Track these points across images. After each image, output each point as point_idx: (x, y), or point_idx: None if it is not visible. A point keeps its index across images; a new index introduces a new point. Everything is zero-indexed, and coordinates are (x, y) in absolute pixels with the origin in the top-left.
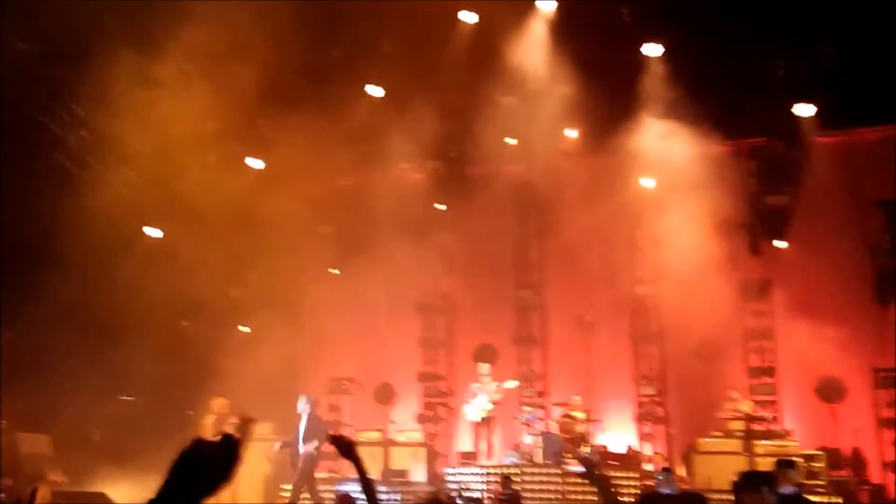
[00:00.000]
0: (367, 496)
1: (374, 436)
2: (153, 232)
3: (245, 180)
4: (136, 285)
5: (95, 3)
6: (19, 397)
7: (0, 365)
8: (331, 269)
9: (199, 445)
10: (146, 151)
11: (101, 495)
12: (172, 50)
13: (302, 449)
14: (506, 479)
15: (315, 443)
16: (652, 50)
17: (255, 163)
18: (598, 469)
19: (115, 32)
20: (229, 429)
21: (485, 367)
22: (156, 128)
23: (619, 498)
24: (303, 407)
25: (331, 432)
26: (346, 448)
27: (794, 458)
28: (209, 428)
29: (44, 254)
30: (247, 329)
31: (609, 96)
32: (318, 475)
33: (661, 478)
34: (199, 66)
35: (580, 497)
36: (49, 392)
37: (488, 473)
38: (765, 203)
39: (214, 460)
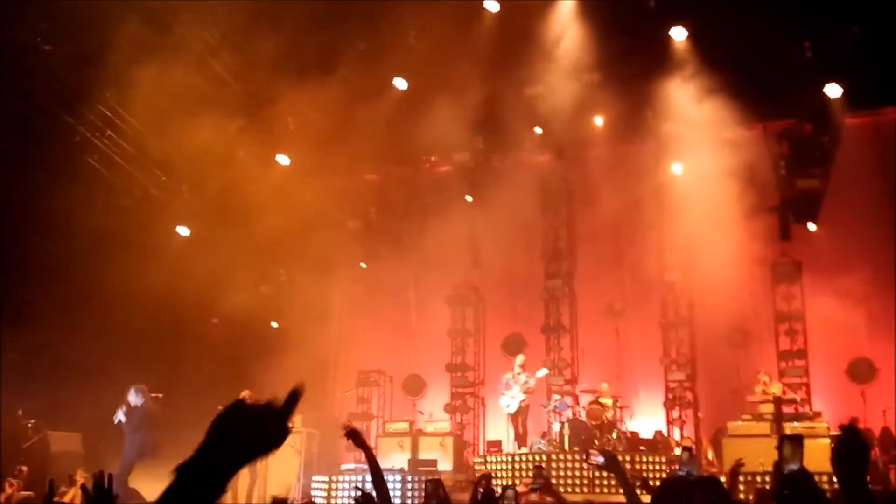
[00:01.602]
0: (374, 479)
1: (403, 426)
2: (184, 231)
3: (273, 177)
4: (166, 283)
5: (121, 5)
6: (51, 396)
7: (14, 365)
8: (360, 264)
9: (240, 407)
10: (174, 151)
11: (133, 492)
12: (199, 51)
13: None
14: (538, 469)
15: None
16: (677, 34)
17: (283, 159)
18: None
19: (139, 34)
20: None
21: (519, 359)
22: (183, 128)
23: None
24: (134, 399)
25: (345, 426)
26: (356, 438)
27: (801, 434)
28: None
29: (74, 254)
30: (276, 325)
31: (635, 82)
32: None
33: (683, 457)
34: (225, 65)
35: (608, 483)
36: (80, 390)
37: (517, 461)
38: (795, 186)
39: (257, 424)
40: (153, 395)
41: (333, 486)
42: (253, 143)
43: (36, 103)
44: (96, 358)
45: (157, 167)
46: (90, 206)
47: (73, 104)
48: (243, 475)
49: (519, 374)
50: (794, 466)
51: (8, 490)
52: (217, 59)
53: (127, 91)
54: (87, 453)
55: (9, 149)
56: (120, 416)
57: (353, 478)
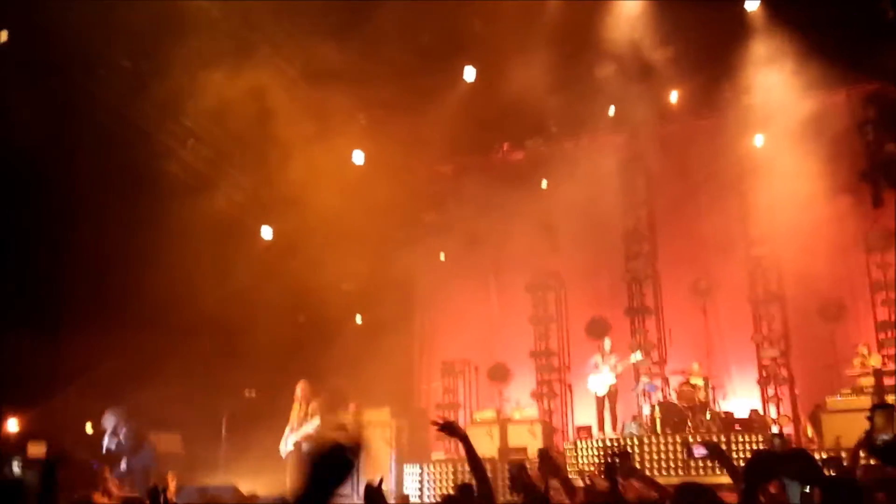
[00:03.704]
0: (473, 468)
1: (491, 415)
2: (267, 233)
3: (349, 173)
4: (253, 285)
5: (191, 15)
6: (148, 397)
7: (115, 368)
8: (439, 256)
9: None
10: (254, 154)
11: (234, 489)
12: (268, 54)
13: (124, 465)
14: (623, 454)
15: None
16: (750, 4)
17: (359, 157)
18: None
19: (212, 42)
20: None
21: (607, 343)
22: (261, 131)
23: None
24: (111, 425)
25: (436, 420)
26: (451, 429)
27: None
28: (296, 410)
29: (165, 260)
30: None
31: (711, 53)
32: (437, 456)
33: (775, 443)
34: (295, 65)
35: (703, 464)
36: (174, 390)
37: (608, 445)
38: (883, 150)
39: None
40: (247, 393)
41: (426, 475)
42: (326, 142)
43: (119, 118)
44: (189, 358)
45: (237, 171)
46: (176, 214)
47: (153, 116)
48: None
49: (609, 356)
50: (886, 436)
51: (109, 492)
52: (287, 61)
53: (204, 99)
54: (187, 453)
55: (97, 165)
56: (109, 444)
57: (445, 467)
